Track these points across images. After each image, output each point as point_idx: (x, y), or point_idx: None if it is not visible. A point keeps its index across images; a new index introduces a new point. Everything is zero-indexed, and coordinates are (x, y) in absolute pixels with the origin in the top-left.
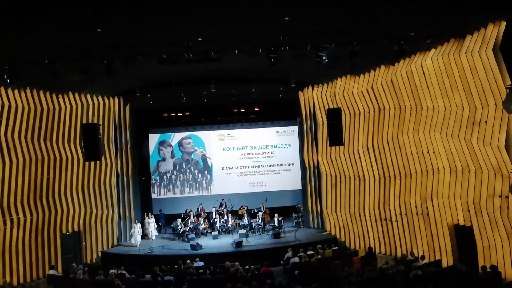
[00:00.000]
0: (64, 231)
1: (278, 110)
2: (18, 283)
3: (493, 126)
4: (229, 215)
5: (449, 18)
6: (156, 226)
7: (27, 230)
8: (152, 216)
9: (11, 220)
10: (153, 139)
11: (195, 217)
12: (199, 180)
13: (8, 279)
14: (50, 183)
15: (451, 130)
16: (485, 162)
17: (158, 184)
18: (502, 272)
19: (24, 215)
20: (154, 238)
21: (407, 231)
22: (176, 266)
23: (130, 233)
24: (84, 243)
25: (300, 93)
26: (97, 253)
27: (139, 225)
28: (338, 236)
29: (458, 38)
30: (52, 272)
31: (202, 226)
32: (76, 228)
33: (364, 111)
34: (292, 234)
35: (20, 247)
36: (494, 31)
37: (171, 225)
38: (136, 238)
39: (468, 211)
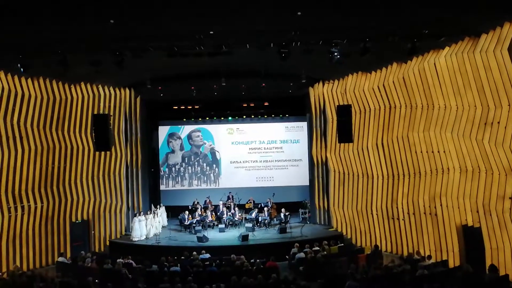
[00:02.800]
0: (73, 220)
1: (288, 106)
2: (28, 269)
3: (505, 127)
4: (236, 208)
5: (464, 16)
6: (146, 227)
7: (38, 218)
8: (150, 212)
9: (22, 207)
10: (163, 131)
11: (202, 209)
12: (207, 173)
13: (18, 264)
14: (61, 172)
15: (462, 130)
16: (496, 163)
17: (166, 176)
18: (510, 275)
19: (35, 203)
20: (143, 238)
21: (414, 230)
22: (182, 258)
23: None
24: (93, 231)
25: (310, 89)
26: (105, 242)
27: (136, 219)
28: (344, 233)
29: (472, 36)
30: (61, 259)
31: (209, 219)
32: (85, 217)
33: (375, 108)
34: (298, 229)
35: (31, 233)
36: (510, 30)
37: (178, 217)
38: (135, 232)
39: (477, 212)
